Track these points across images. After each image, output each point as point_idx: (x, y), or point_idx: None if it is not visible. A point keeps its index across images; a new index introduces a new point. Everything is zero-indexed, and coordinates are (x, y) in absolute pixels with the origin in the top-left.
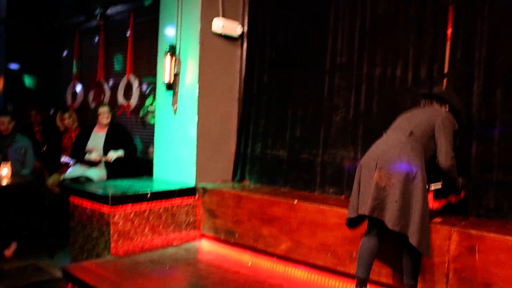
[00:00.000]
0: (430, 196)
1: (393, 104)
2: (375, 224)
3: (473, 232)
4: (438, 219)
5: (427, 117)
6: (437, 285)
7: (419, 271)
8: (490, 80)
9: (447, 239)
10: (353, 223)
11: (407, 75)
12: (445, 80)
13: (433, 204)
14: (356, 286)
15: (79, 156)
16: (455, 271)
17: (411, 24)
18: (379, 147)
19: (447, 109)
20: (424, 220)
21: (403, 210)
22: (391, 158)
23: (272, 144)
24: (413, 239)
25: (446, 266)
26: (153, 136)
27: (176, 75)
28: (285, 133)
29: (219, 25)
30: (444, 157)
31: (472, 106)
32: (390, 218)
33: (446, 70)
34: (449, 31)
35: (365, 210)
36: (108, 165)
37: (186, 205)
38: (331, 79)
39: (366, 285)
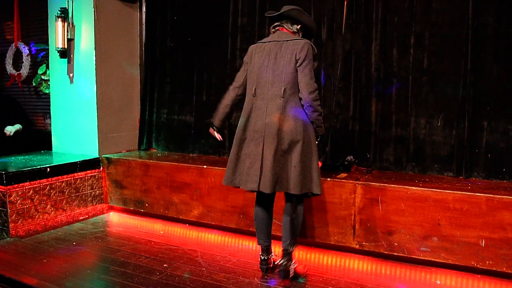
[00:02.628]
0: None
1: None
2: (266, 194)
3: (375, 184)
4: (343, 174)
5: (287, 62)
6: (345, 237)
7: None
8: (387, 39)
9: (352, 193)
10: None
11: None
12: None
13: None
14: (261, 255)
15: None
16: (360, 222)
17: None
18: (260, 119)
19: (298, 27)
20: (318, 170)
21: (303, 171)
22: (276, 128)
23: (179, 110)
24: (318, 190)
25: (353, 218)
26: (49, 106)
27: (70, 41)
28: (191, 98)
29: None
30: (306, 88)
31: (371, 65)
32: (294, 186)
33: (343, 30)
34: None
35: (264, 188)
36: None
37: (91, 177)
38: (234, 41)
39: (271, 251)
